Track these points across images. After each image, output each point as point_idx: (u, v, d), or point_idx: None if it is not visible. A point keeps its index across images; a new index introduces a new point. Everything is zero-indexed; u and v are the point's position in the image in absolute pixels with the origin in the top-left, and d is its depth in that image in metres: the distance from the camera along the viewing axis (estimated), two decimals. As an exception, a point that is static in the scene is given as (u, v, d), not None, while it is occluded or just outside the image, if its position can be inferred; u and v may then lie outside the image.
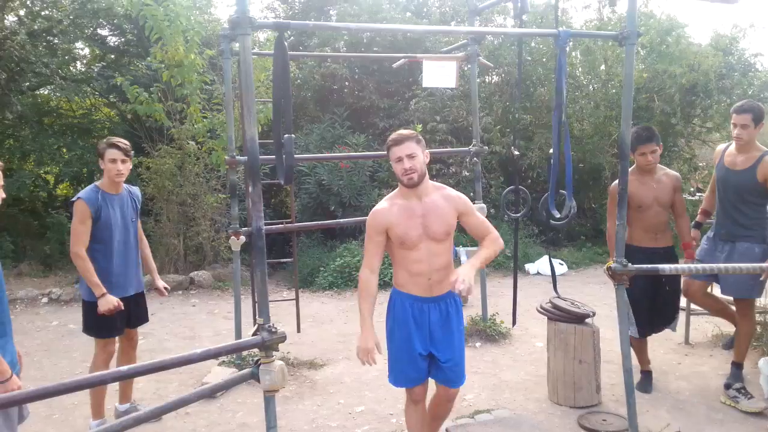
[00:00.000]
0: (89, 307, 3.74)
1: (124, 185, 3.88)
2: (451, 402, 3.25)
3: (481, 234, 3.08)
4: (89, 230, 3.64)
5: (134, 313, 3.97)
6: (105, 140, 3.79)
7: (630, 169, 3.93)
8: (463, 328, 3.17)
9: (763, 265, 3.68)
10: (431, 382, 3.19)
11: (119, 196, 3.81)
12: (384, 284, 5.90)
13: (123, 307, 3.70)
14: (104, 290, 3.62)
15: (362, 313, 3.00)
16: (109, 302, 3.62)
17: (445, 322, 3.04)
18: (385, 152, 3.05)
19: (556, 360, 4.20)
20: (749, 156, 4.06)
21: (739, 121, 4.04)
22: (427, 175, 3.02)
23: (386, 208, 3.00)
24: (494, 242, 3.04)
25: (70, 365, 5.24)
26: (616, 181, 3.78)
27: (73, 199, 3.69)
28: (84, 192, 3.70)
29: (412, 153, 2.91)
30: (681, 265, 3.49)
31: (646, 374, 4.48)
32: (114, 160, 3.70)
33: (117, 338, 3.94)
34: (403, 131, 3.04)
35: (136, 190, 4.04)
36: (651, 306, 4.24)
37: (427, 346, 3.03)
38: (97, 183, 3.78)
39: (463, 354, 3.16)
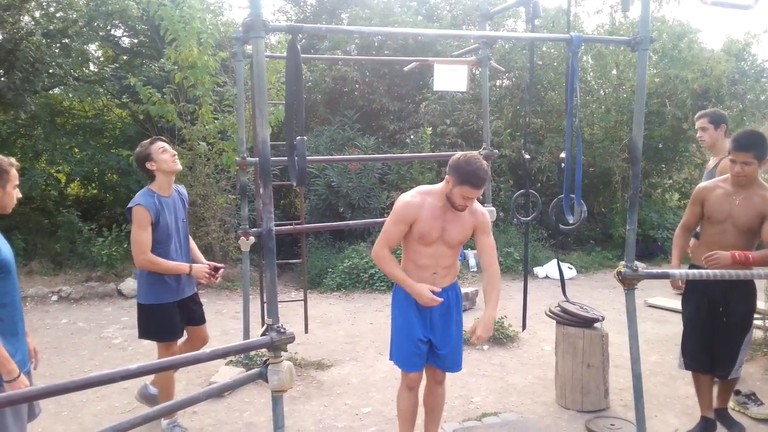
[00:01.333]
0: (149, 310, 3.69)
1: (173, 185, 3.79)
2: (441, 386, 3.43)
3: (488, 258, 3.21)
4: (150, 236, 3.53)
5: (197, 311, 3.94)
6: (141, 144, 3.69)
7: (725, 175, 3.64)
8: (461, 318, 3.35)
9: (760, 271, 3.57)
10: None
11: (171, 199, 3.72)
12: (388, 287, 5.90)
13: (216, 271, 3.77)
14: (189, 265, 3.64)
15: (400, 278, 3.11)
16: (202, 270, 3.67)
17: (446, 312, 3.24)
18: (456, 169, 2.99)
19: (564, 364, 4.19)
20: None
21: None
22: None
23: (418, 202, 3.10)
24: (498, 279, 3.23)
25: (79, 362, 5.28)
26: (702, 184, 3.72)
27: (131, 205, 3.55)
28: (141, 197, 3.56)
29: (477, 197, 3.04)
30: (690, 270, 3.44)
31: (705, 422, 3.79)
32: (164, 149, 3.64)
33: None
34: (485, 171, 2.98)
35: (182, 189, 3.95)
36: (705, 338, 3.68)
37: (427, 333, 3.21)
38: (149, 187, 3.67)
39: (460, 343, 3.35)
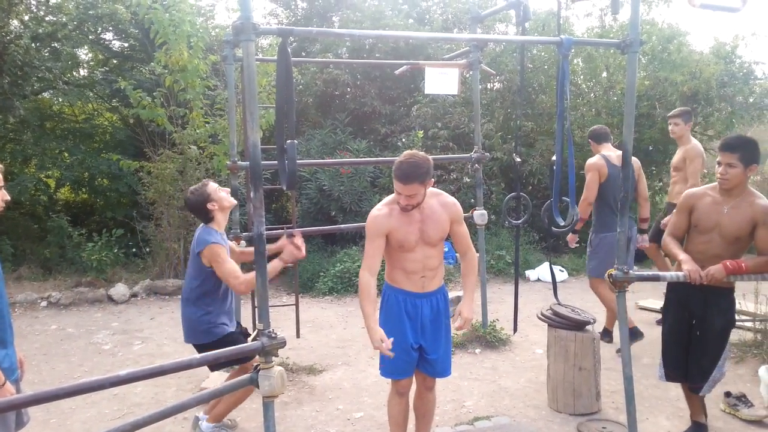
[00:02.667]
0: (215, 345, 3.56)
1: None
2: (431, 391, 3.42)
3: (463, 246, 3.26)
4: (233, 263, 3.56)
5: None
6: (192, 190, 3.67)
7: (713, 183, 3.54)
8: (449, 322, 3.32)
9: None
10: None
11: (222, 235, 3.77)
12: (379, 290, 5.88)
13: None
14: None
15: (366, 315, 3.04)
16: (292, 252, 3.53)
17: (436, 317, 3.23)
18: (393, 172, 3.01)
19: (556, 367, 4.19)
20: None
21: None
22: None
23: (386, 213, 3.10)
24: (475, 263, 3.28)
25: (69, 369, 5.23)
26: (689, 191, 3.63)
27: (200, 248, 3.53)
28: (211, 236, 3.58)
29: (413, 194, 2.98)
30: (680, 273, 3.41)
31: (697, 426, 3.80)
32: (219, 188, 3.73)
33: None
34: (412, 165, 2.94)
35: None
36: (685, 350, 3.64)
37: (418, 339, 3.20)
38: (209, 226, 3.68)
39: (449, 347, 3.34)
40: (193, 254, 3.63)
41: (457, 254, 3.38)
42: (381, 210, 3.13)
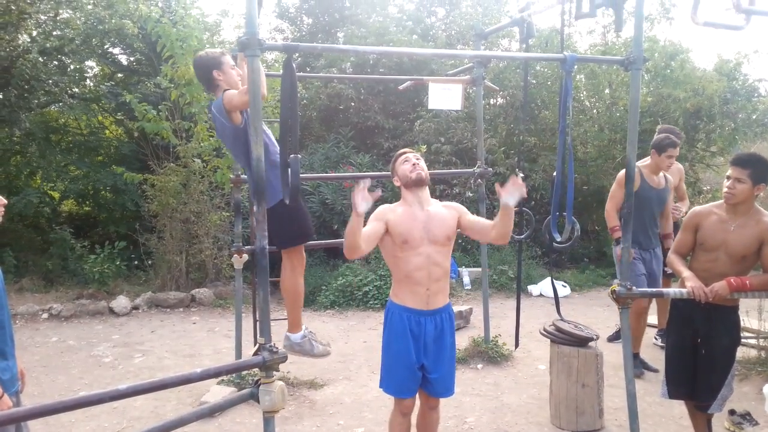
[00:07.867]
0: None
1: None
2: (435, 411, 3.37)
3: (484, 223, 3.25)
4: None
5: None
6: None
7: (719, 201, 3.50)
8: (454, 341, 3.29)
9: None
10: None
11: None
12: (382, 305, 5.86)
13: None
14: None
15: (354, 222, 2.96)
16: None
17: (440, 336, 3.18)
18: (391, 165, 3.28)
19: (558, 383, 4.16)
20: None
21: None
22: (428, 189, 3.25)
23: (392, 207, 3.20)
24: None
25: (69, 381, 5.21)
26: (695, 209, 3.57)
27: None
28: None
29: (419, 158, 3.21)
30: (684, 289, 3.39)
31: None
32: (233, 67, 3.56)
33: None
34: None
35: None
36: (688, 368, 3.56)
37: (421, 358, 3.16)
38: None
39: (452, 368, 3.30)
40: (226, 131, 3.39)
41: (481, 237, 3.29)
42: (389, 204, 3.23)
